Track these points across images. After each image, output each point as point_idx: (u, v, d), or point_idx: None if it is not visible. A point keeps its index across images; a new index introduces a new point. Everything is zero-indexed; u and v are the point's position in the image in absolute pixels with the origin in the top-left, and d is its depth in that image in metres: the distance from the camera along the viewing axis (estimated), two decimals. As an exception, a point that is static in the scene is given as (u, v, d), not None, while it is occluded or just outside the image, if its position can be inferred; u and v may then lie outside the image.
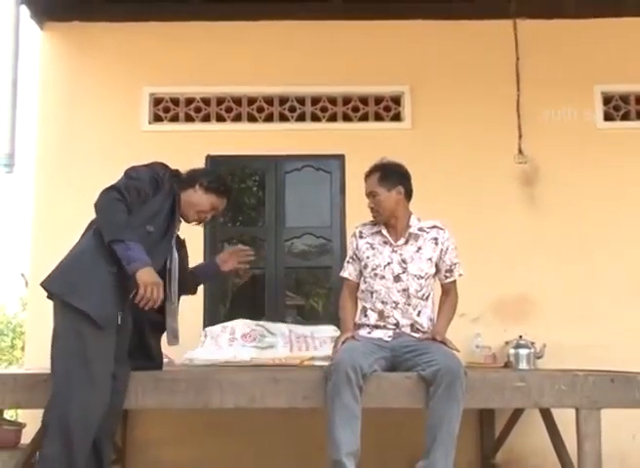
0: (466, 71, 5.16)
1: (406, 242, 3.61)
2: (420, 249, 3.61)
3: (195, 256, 4.91)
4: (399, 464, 4.12)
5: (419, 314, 3.57)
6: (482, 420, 4.67)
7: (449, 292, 3.70)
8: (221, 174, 3.70)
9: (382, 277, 3.59)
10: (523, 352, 4.48)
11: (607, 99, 5.24)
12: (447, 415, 3.16)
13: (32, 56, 5.26)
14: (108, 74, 5.13)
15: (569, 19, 5.20)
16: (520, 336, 4.57)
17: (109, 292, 2.94)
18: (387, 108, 5.27)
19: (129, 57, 5.19)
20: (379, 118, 5.27)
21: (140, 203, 3.04)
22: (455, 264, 3.66)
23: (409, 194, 3.67)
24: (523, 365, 4.45)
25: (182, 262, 3.41)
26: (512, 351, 4.51)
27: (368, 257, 3.64)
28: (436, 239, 3.63)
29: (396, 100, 5.27)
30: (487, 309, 4.88)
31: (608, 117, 5.22)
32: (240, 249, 3.65)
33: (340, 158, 5.13)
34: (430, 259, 3.61)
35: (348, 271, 3.76)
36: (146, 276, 2.90)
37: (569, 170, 5.05)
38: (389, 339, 3.51)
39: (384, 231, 3.65)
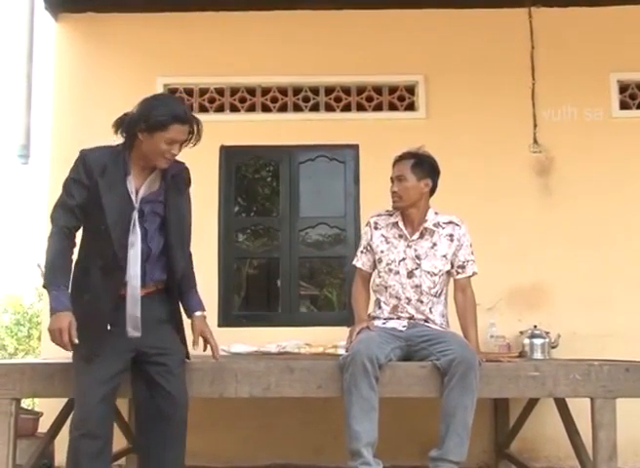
0: (481, 60, 5.12)
1: (421, 236, 3.59)
2: (435, 245, 3.59)
3: (209, 247, 5.00)
4: (413, 452, 4.13)
5: (430, 310, 3.57)
6: (496, 409, 4.67)
7: (464, 288, 3.63)
8: (158, 99, 3.11)
9: (397, 272, 3.58)
10: (537, 342, 4.49)
11: (623, 88, 5.18)
12: (461, 405, 3.17)
13: (47, 47, 5.28)
14: (122, 65, 5.14)
15: (584, 7, 5.14)
16: (535, 326, 4.57)
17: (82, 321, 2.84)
18: (401, 98, 5.25)
19: (142, 47, 5.19)
20: (393, 108, 5.24)
21: (83, 209, 2.92)
22: (468, 261, 3.62)
23: (433, 190, 3.66)
24: (538, 354, 4.45)
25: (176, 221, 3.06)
26: (527, 341, 4.51)
27: (382, 251, 3.63)
28: (452, 236, 3.60)
29: (410, 90, 5.25)
30: (501, 299, 4.87)
31: (624, 106, 5.16)
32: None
33: (355, 148, 5.12)
34: (445, 256, 3.59)
35: (362, 261, 3.75)
36: (49, 325, 2.81)
37: (584, 159, 5.02)
38: (404, 329, 3.51)
39: (401, 223, 3.62)
